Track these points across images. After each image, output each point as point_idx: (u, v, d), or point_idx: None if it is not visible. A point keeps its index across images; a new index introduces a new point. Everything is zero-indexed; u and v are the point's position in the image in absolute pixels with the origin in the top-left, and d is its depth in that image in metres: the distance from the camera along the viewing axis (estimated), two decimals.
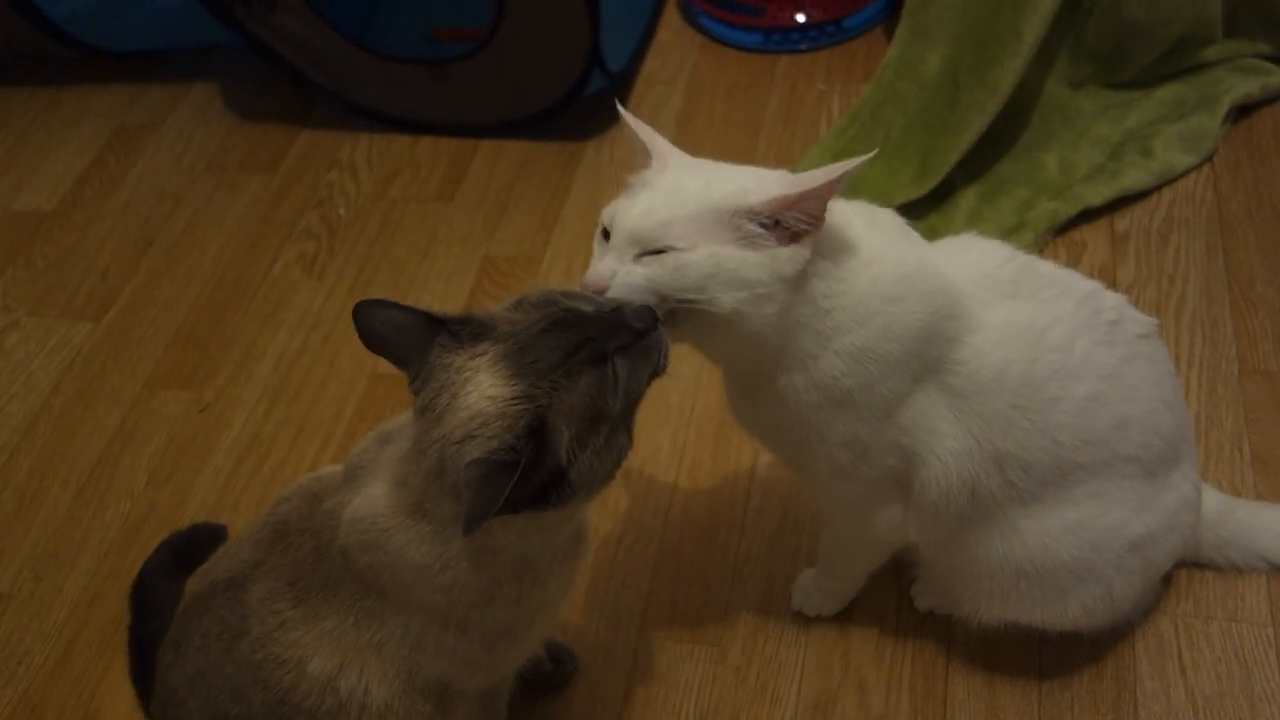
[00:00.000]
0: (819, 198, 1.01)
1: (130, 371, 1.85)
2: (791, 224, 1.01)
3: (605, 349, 0.94)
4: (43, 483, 1.71)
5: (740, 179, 1.05)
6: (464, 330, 0.96)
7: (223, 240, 2.07)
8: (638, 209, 1.03)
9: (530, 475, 0.90)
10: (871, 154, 1.03)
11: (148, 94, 2.40)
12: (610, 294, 1.01)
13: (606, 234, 1.05)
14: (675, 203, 1.02)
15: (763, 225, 1.01)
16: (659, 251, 1.01)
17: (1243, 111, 1.98)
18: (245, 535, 1.15)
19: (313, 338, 1.87)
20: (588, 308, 0.97)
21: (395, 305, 0.96)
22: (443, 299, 1.89)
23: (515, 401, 0.91)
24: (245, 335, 1.89)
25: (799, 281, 1.04)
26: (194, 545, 1.39)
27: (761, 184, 1.04)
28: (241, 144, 2.26)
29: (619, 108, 1.14)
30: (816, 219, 1.02)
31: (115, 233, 2.11)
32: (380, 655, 1.04)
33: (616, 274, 1.02)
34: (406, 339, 0.96)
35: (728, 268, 1.01)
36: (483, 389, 0.92)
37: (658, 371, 1.00)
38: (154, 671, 1.18)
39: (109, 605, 1.53)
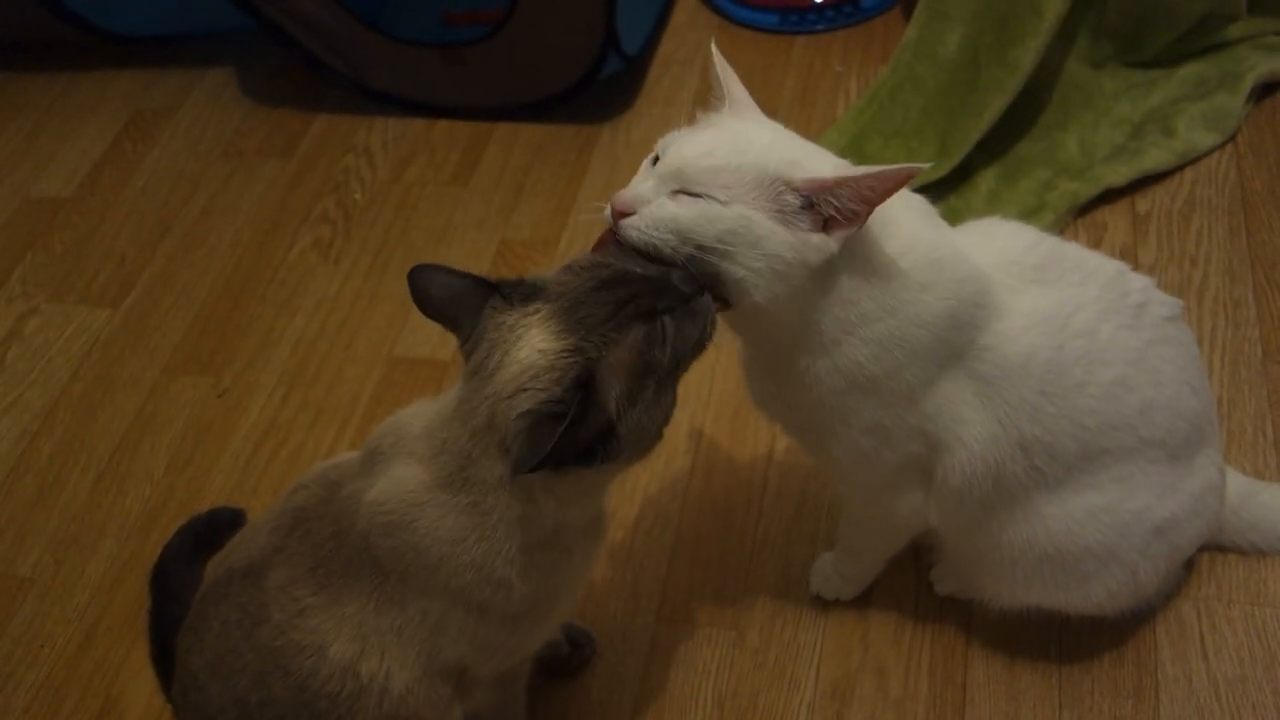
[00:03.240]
0: (856, 188, 0.97)
1: (149, 357, 1.86)
2: (825, 209, 0.99)
3: (654, 305, 0.96)
4: (63, 468, 1.71)
5: (800, 151, 1.04)
6: (516, 292, 0.98)
7: (239, 225, 2.07)
8: (698, 147, 1.01)
9: (579, 427, 0.92)
10: (928, 165, 0.98)
11: (163, 79, 2.40)
12: (633, 222, 1.00)
13: (656, 161, 1.04)
14: (735, 151, 1.00)
15: (801, 205, 0.99)
16: (696, 195, 0.99)
17: (1266, 90, 1.95)
18: (262, 523, 1.15)
19: (330, 322, 1.87)
20: (638, 269, 0.98)
21: (448, 269, 0.98)
22: None
23: (565, 354, 0.93)
24: (262, 320, 1.89)
25: (823, 274, 1.02)
26: (213, 530, 1.40)
27: (816, 163, 1.03)
28: (257, 129, 2.26)
29: (712, 47, 1.12)
30: (855, 215, 0.99)
31: (132, 218, 2.11)
32: (400, 640, 1.05)
33: (650, 204, 1.00)
34: (459, 303, 0.99)
35: (755, 233, 0.99)
36: (533, 343, 0.94)
37: (704, 340, 1.00)
38: (174, 656, 1.18)
39: (130, 589, 1.54)
